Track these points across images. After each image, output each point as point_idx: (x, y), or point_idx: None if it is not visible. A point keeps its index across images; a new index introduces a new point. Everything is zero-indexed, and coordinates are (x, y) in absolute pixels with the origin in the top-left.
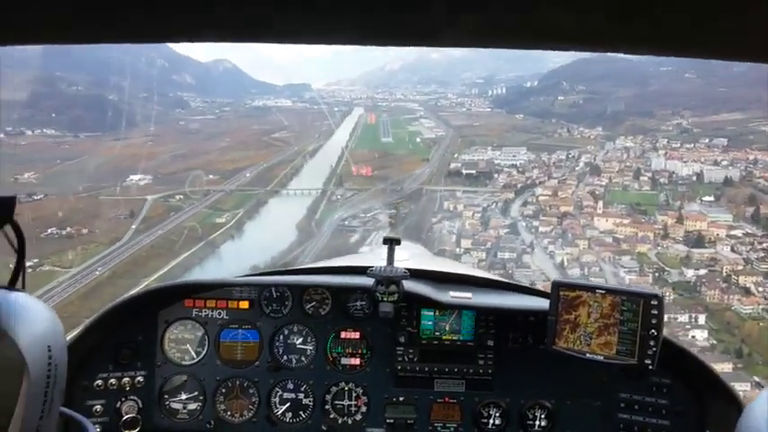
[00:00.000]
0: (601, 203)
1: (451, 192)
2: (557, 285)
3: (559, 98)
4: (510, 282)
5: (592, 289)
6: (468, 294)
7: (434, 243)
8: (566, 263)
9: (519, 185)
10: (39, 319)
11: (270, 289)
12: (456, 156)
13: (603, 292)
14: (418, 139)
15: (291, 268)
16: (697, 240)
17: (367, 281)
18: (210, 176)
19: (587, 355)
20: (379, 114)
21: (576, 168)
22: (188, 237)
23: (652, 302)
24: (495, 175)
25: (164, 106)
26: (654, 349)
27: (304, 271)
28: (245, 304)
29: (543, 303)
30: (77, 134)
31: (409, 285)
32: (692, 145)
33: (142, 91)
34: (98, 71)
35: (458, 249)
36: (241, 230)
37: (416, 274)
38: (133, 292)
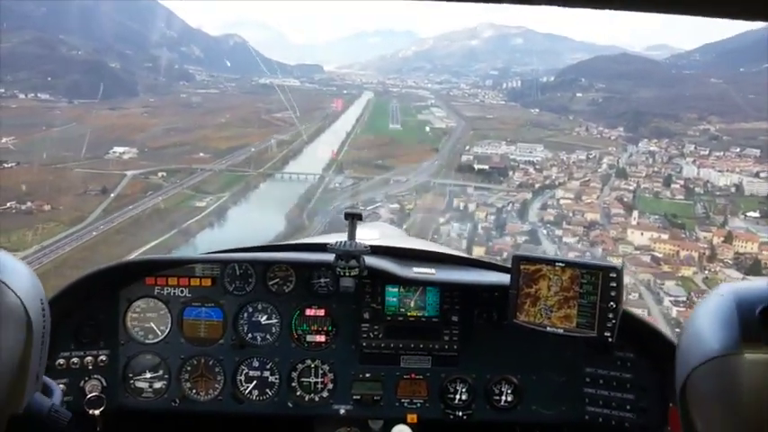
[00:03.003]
0: (636, 213)
1: (462, 187)
2: (517, 259)
3: (577, 95)
4: (474, 258)
5: (552, 262)
6: (432, 270)
7: None
8: (623, 285)
9: (537, 185)
10: (26, 274)
11: (233, 266)
12: (468, 148)
13: (563, 265)
14: (428, 129)
15: (254, 246)
16: (753, 266)
17: (330, 257)
18: (201, 154)
19: (548, 328)
20: (388, 100)
21: (599, 170)
22: (160, 222)
23: (611, 275)
24: (510, 172)
25: (168, 78)
26: (613, 321)
27: (267, 248)
28: (207, 282)
29: (506, 278)
30: (72, 100)
31: (372, 261)
32: (722, 153)
33: (147, 61)
34: (103, 37)
35: None
36: (222, 217)
37: (379, 251)
38: (93, 269)
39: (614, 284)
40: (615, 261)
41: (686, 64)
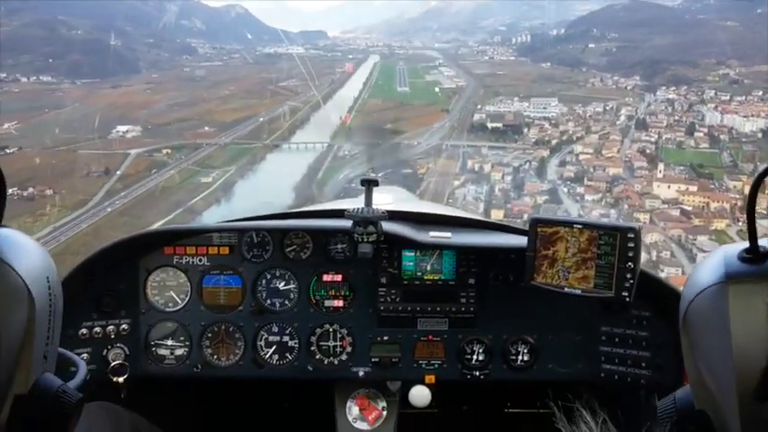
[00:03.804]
0: (661, 166)
1: (476, 148)
2: (535, 222)
3: (590, 46)
4: (490, 221)
5: (569, 224)
6: (448, 234)
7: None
8: (641, 246)
9: (554, 141)
10: (33, 251)
11: (250, 234)
12: (479, 107)
13: (581, 226)
14: (437, 89)
15: (270, 213)
16: None
17: (346, 223)
18: (206, 128)
19: (565, 289)
20: (395, 62)
21: (617, 122)
22: (165, 201)
23: (629, 236)
24: (525, 130)
25: (170, 53)
26: (631, 281)
27: (283, 216)
28: (225, 250)
29: (523, 241)
30: (74, 81)
31: (389, 227)
32: (744, 97)
33: (148, 36)
34: (103, 15)
35: None
36: (229, 193)
37: (396, 216)
38: (111, 241)
39: (632, 245)
40: (635, 222)
41: (700, 8)
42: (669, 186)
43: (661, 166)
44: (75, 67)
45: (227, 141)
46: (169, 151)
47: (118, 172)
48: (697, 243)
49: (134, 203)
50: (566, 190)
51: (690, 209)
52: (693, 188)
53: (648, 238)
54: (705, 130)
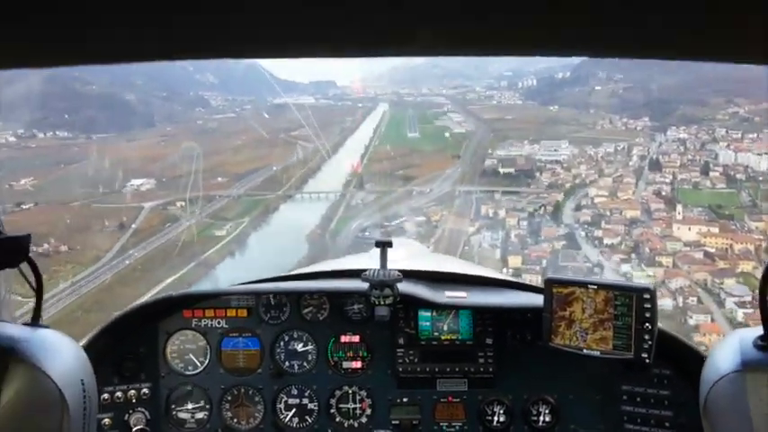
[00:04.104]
0: (680, 207)
1: (489, 194)
2: (549, 282)
3: (596, 88)
4: (504, 278)
5: (584, 284)
6: (464, 293)
7: (474, 259)
8: (657, 306)
9: (567, 185)
10: (69, 355)
11: (267, 296)
12: (490, 152)
13: (596, 287)
14: (447, 135)
15: (287, 274)
16: None
17: (362, 284)
18: (219, 179)
19: (584, 351)
20: (404, 109)
21: (630, 163)
22: (178, 255)
23: (644, 296)
24: (537, 174)
25: (184, 106)
26: (649, 343)
27: (299, 276)
28: (243, 312)
29: (539, 300)
30: (90, 136)
31: (404, 287)
32: (756, 135)
33: (162, 90)
34: (117, 70)
35: (505, 270)
36: (243, 245)
37: (411, 275)
38: (132, 306)
39: (648, 306)
40: (647, 281)
41: None
42: (690, 228)
43: (680, 207)
44: (90, 122)
45: (240, 193)
46: (183, 204)
47: (133, 225)
48: (725, 287)
49: (147, 258)
50: (583, 234)
51: (713, 251)
52: (715, 229)
53: (674, 283)
54: (720, 169)
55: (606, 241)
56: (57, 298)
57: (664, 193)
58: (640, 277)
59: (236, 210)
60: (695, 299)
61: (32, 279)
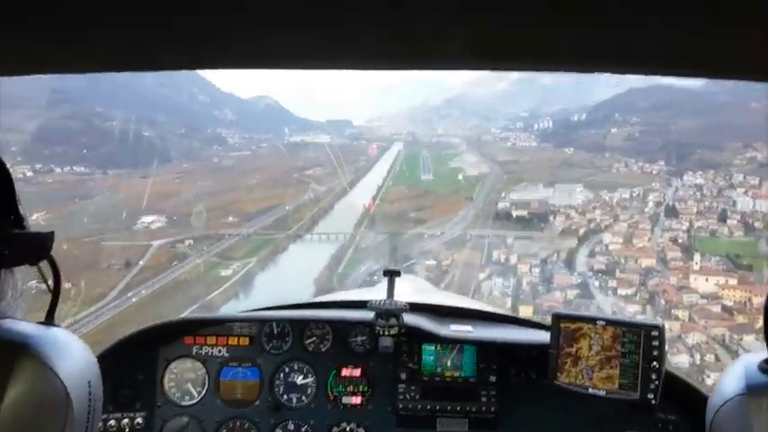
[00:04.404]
0: (698, 257)
1: (501, 238)
2: (557, 317)
3: (612, 131)
4: (510, 315)
5: (592, 320)
6: (469, 328)
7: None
8: (666, 344)
9: (581, 230)
10: (78, 355)
11: (270, 324)
12: (503, 194)
13: (604, 323)
14: (461, 176)
15: (291, 303)
16: None
17: (367, 315)
18: (230, 218)
19: (590, 390)
20: (419, 150)
21: (645, 209)
22: (182, 295)
23: (652, 333)
24: (551, 218)
25: (201, 142)
26: (656, 383)
27: (304, 306)
28: (245, 341)
29: (544, 337)
30: (106, 171)
31: (410, 319)
32: None
33: (181, 127)
34: (137, 106)
35: None
36: (249, 286)
37: (417, 308)
38: (134, 330)
39: (656, 343)
40: (672, 319)
41: (722, 90)
42: (707, 279)
43: (697, 257)
44: (108, 158)
45: (250, 232)
46: (191, 242)
47: (140, 262)
48: (744, 344)
49: (151, 298)
50: (597, 283)
51: (731, 304)
52: (733, 281)
53: (690, 338)
54: (738, 216)
55: (621, 291)
56: None
57: (680, 241)
58: None
59: (245, 249)
60: (713, 356)
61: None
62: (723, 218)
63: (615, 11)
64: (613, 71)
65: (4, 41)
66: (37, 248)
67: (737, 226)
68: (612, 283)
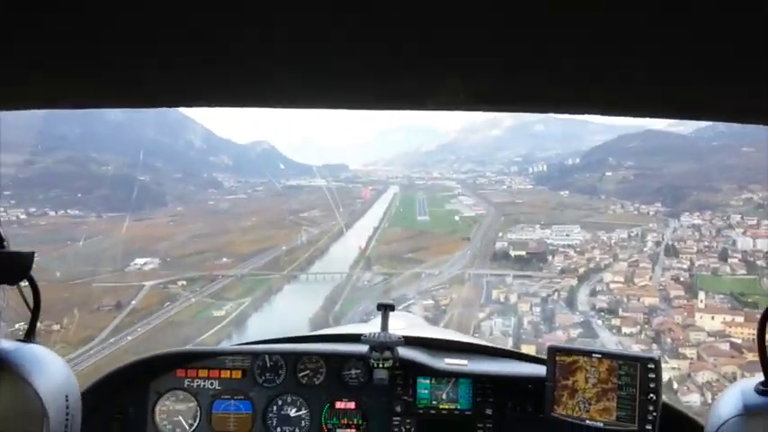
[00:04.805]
0: (702, 295)
1: (500, 277)
2: (553, 350)
3: (606, 174)
4: (506, 348)
5: (588, 353)
6: (464, 361)
7: None
8: (674, 384)
9: (581, 269)
10: (56, 371)
11: (263, 357)
12: (501, 235)
13: (600, 356)
14: (457, 218)
15: (285, 337)
16: None
17: (361, 348)
18: (224, 259)
19: (587, 421)
20: (414, 192)
21: (645, 249)
22: (173, 337)
23: (649, 366)
24: (550, 257)
25: (197, 186)
26: (654, 414)
27: (297, 339)
28: (237, 374)
29: (540, 370)
30: (101, 214)
31: (404, 352)
32: None
33: (177, 172)
34: (133, 152)
35: None
36: (242, 327)
37: (411, 342)
38: (125, 362)
39: (653, 375)
40: (671, 374)
41: (713, 135)
42: (713, 317)
43: (702, 295)
44: (103, 201)
45: (244, 273)
46: (184, 283)
47: (132, 304)
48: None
49: (141, 340)
50: (600, 322)
51: (740, 342)
52: (740, 318)
53: (700, 376)
54: (739, 255)
55: (625, 330)
56: None
57: (682, 279)
58: (665, 369)
59: (238, 290)
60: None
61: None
62: (724, 257)
63: (612, 56)
64: (614, 114)
65: None
66: (17, 268)
67: (739, 264)
68: (616, 322)
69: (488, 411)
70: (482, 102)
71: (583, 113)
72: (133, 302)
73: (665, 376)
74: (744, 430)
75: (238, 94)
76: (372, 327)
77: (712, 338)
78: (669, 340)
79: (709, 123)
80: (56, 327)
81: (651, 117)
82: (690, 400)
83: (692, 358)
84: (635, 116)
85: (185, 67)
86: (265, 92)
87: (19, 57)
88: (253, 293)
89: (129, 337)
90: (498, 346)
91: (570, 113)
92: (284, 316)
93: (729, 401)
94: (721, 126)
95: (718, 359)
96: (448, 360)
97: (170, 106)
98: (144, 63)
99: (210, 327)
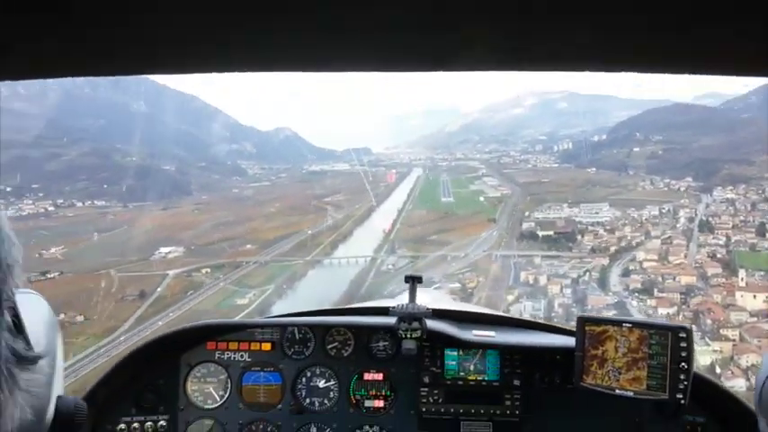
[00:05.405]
0: (743, 273)
1: (528, 258)
2: (582, 320)
3: (635, 150)
4: (533, 320)
5: (618, 323)
6: (492, 333)
7: None
8: (717, 368)
9: (612, 248)
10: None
11: (292, 330)
12: (527, 214)
13: (630, 325)
14: (482, 198)
15: (313, 309)
16: None
17: (389, 320)
18: (248, 246)
19: (617, 391)
20: (438, 174)
21: (677, 225)
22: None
23: (680, 335)
24: (579, 237)
25: (221, 174)
26: (685, 383)
27: (326, 312)
28: (267, 346)
29: (569, 341)
30: (126, 204)
31: (432, 324)
32: None
33: (201, 161)
34: (158, 142)
35: None
36: (265, 315)
37: (439, 314)
38: (155, 335)
39: (684, 344)
40: (713, 357)
41: (743, 107)
42: (755, 296)
43: (743, 273)
44: (128, 192)
45: (267, 259)
46: (208, 270)
47: (152, 296)
48: None
49: (163, 329)
50: (635, 303)
51: None
52: None
53: (744, 360)
54: None
55: (661, 311)
56: (64, 374)
57: (719, 256)
58: (705, 352)
59: (262, 276)
60: None
61: None
62: (762, 232)
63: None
64: (618, 70)
65: None
66: None
67: None
68: (652, 303)
69: (516, 382)
70: (500, 62)
71: (624, 71)
72: (158, 291)
73: (707, 360)
74: None
75: (239, 57)
76: (400, 301)
77: (755, 318)
78: (709, 321)
79: (739, 95)
80: (80, 318)
81: (681, 73)
82: (735, 385)
83: (734, 340)
84: (664, 72)
85: (185, 30)
86: (267, 54)
87: None
88: (276, 280)
89: (148, 331)
90: (527, 319)
91: (612, 71)
92: (308, 302)
93: None
94: (752, 98)
95: (763, 340)
96: (476, 332)
97: (170, 73)
98: (133, 30)
99: (233, 315)
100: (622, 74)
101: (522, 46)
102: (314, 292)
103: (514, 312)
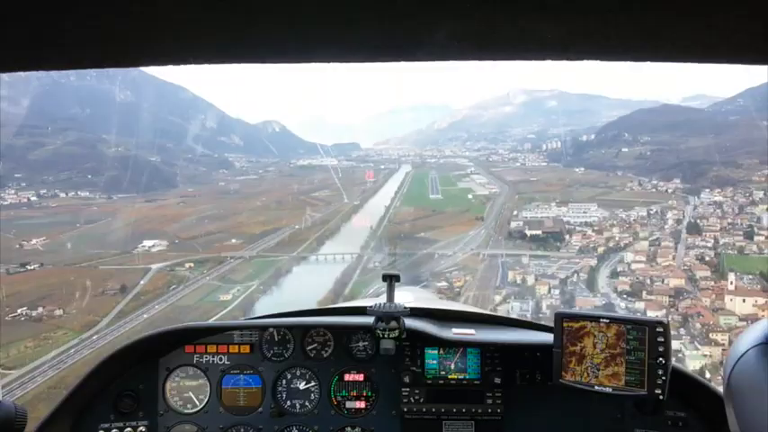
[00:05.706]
0: (732, 276)
1: (516, 258)
2: (560, 316)
3: (623, 150)
4: (513, 318)
5: (596, 318)
6: (472, 331)
7: None
8: (707, 373)
9: (600, 249)
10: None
11: (271, 331)
12: (515, 213)
13: (608, 321)
14: (470, 196)
15: (292, 311)
16: None
17: (368, 320)
18: (234, 241)
19: (596, 387)
20: (427, 171)
21: (665, 227)
22: (177, 323)
23: (657, 330)
24: (567, 236)
25: (208, 167)
26: (663, 378)
27: (305, 313)
28: (246, 348)
29: (548, 338)
30: (111, 196)
31: (411, 323)
32: None
33: (188, 152)
34: (144, 133)
35: None
36: (249, 312)
37: (418, 313)
38: (133, 338)
39: (662, 339)
40: (660, 316)
41: (731, 110)
42: (744, 300)
43: (732, 276)
44: (113, 183)
45: (252, 254)
46: (192, 265)
47: (133, 291)
48: None
49: (144, 326)
50: (623, 305)
51: None
52: None
53: None
54: (765, 233)
55: (650, 314)
56: (39, 371)
57: (707, 259)
58: (695, 357)
59: (247, 272)
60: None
61: None
62: (750, 235)
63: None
64: (614, 59)
65: None
66: None
67: (766, 242)
68: (640, 305)
69: (497, 380)
70: (476, 50)
71: (584, 59)
72: (139, 285)
73: (697, 364)
74: (765, 358)
75: (224, 48)
76: (379, 300)
77: (744, 323)
78: (698, 325)
79: (727, 97)
80: (59, 312)
81: (661, 61)
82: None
83: (723, 344)
84: (656, 60)
85: (165, 23)
86: (251, 45)
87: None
88: (261, 276)
89: (128, 326)
90: (506, 316)
91: (573, 60)
92: (292, 299)
93: (749, 335)
94: (740, 100)
95: None
96: (455, 330)
97: (157, 65)
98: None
99: (216, 311)
100: (590, 62)
101: (488, 32)
102: (298, 289)
103: (502, 313)
